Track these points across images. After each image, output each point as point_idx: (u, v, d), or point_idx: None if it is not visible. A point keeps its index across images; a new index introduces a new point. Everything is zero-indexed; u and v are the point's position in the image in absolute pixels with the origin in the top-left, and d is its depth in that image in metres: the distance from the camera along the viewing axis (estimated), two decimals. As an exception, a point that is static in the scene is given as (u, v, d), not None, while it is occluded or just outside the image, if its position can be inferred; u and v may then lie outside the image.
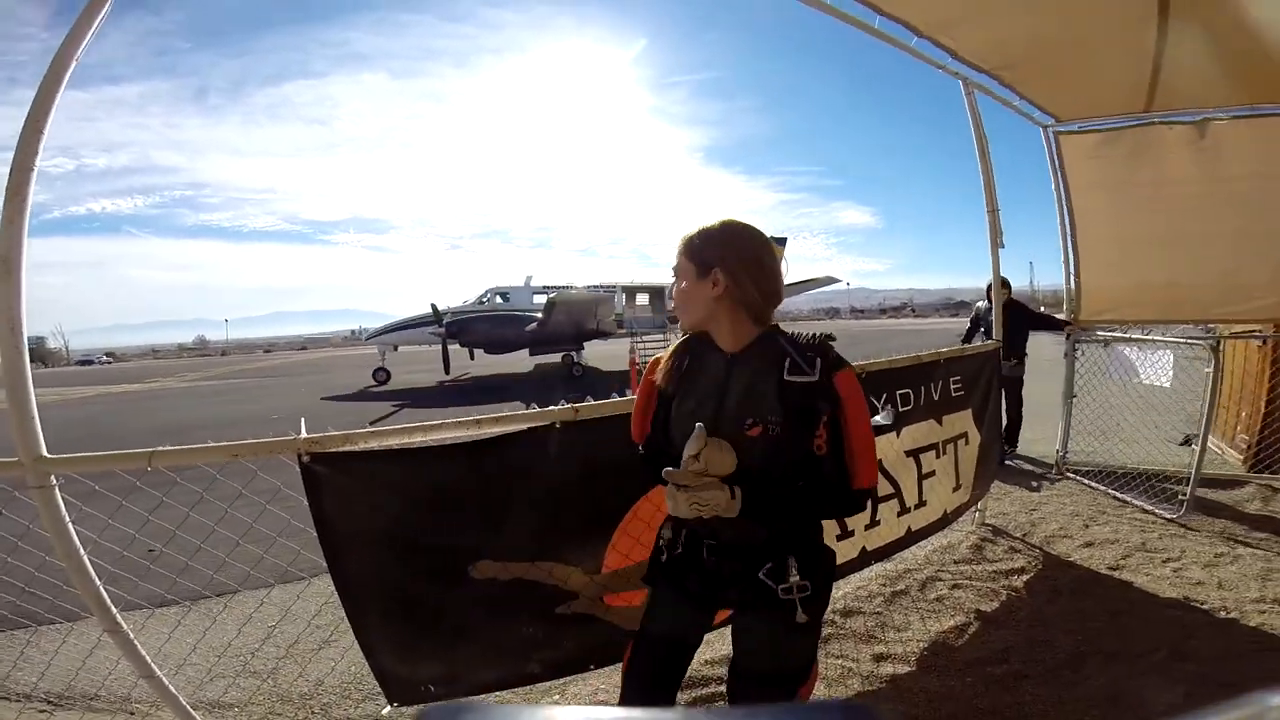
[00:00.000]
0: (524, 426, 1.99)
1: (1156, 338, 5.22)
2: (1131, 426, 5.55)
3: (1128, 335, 4.88)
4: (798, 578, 1.39)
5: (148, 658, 1.85)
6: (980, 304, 6.51)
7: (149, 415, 13.68)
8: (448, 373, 17.74)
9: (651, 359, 1.61)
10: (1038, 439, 5.19)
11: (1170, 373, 4.36)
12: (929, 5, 3.07)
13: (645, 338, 18.41)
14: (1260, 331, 4.85)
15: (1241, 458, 4.91)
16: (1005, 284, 5.83)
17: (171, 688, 1.91)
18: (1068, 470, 5.07)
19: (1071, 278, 5.09)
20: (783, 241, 24.74)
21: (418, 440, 1.89)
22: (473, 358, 19.61)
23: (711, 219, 1.49)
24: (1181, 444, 5.79)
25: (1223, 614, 2.76)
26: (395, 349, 19.58)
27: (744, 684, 1.47)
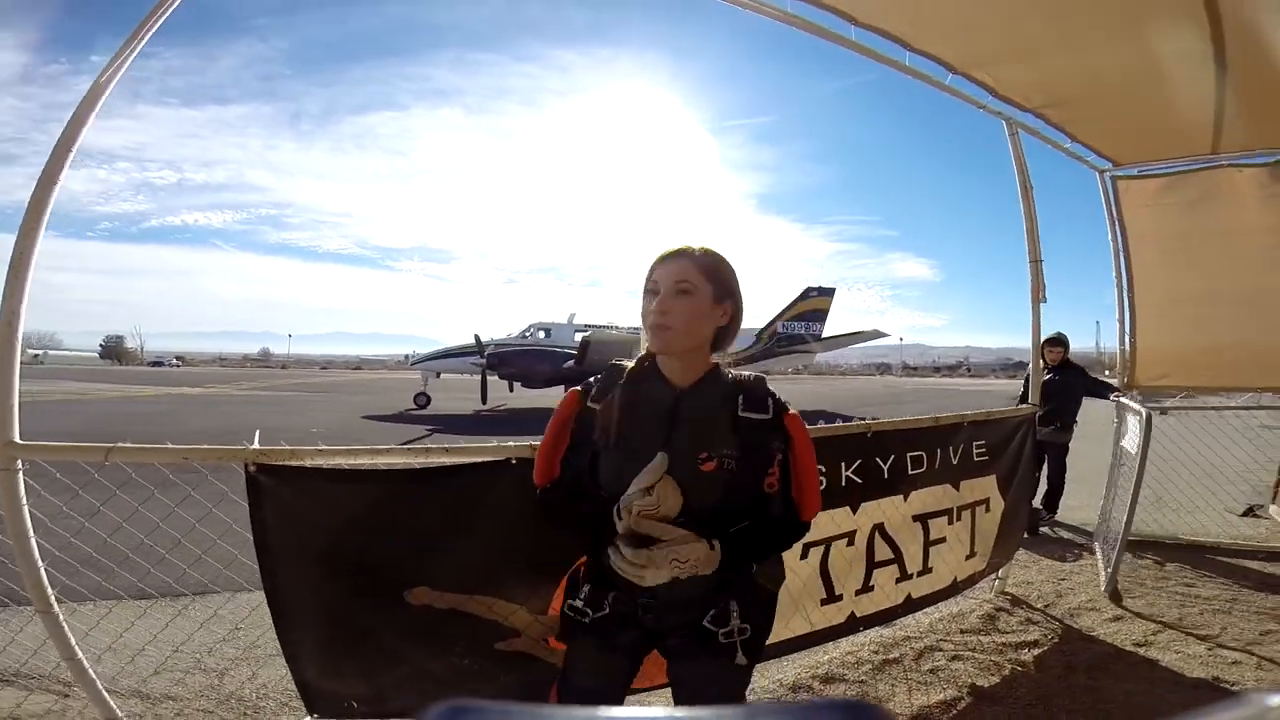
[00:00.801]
0: (478, 460, 1.95)
1: (1227, 403, 4.83)
2: (1186, 496, 5.11)
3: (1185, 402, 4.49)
4: (738, 621, 1.36)
5: (73, 641, 1.89)
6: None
7: (199, 418, 14.41)
8: (484, 402, 18.16)
9: (568, 394, 1.49)
10: (1083, 505, 4.81)
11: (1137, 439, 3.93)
12: (962, 40, 2.94)
13: None
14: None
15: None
16: (1062, 342, 5.91)
17: (91, 672, 1.94)
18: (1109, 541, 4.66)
19: (1126, 336, 4.72)
20: (830, 292, 24.27)
21: (363, 462, 1.89)
22: (511, 390, 20.01)
23: (701, 242, 1.42)
24: (1243, 514, 5.31)
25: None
26: (438, 376, 20.20)
27: None
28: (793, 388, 35.73)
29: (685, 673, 1.44)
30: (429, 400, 18.88)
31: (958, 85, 3.22)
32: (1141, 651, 2.95)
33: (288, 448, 1.80)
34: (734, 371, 1.43)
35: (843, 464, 2.73)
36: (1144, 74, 3.13)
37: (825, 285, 24.20)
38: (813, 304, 23.93)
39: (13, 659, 2.46)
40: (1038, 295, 3.90)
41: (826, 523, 2.68)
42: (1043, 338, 4.07)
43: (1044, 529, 5.16)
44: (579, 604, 1.41)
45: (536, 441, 1.93)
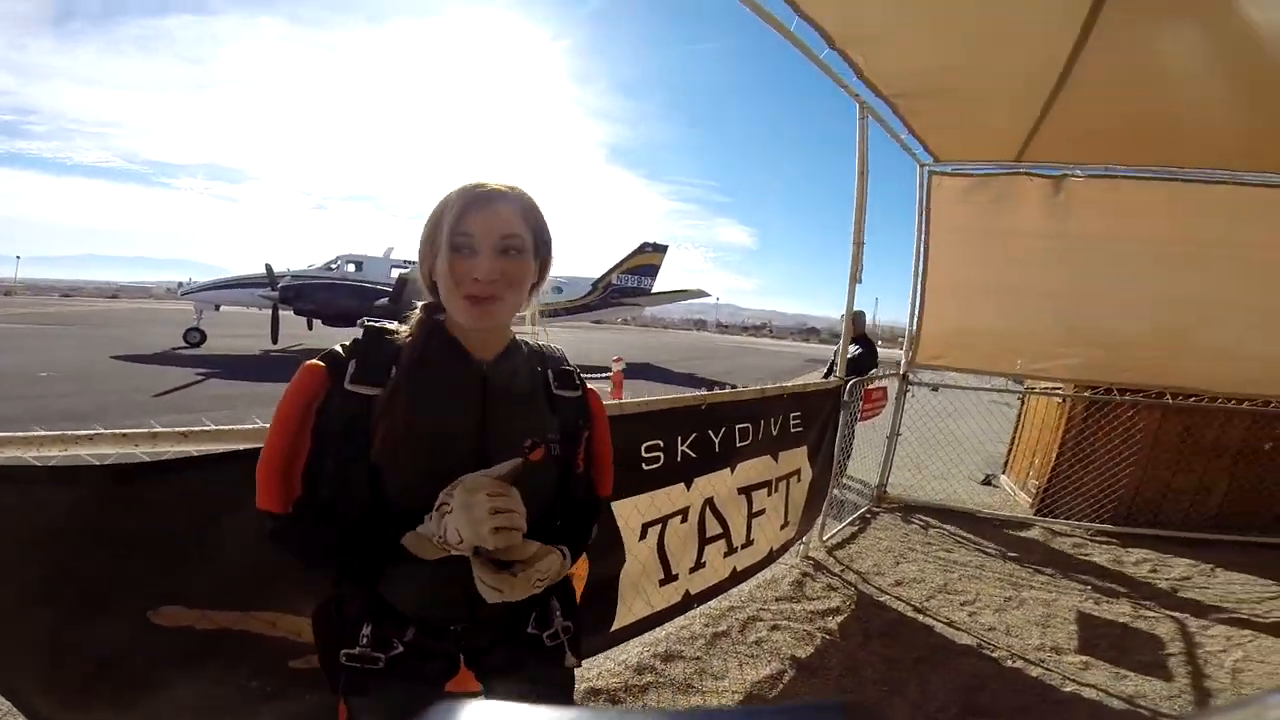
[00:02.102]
0: (234, 446, 1.44)
1: (977, 385, 5.69)
2: (943, 463, 5.99)
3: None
4: (562, 620, 1.22)
5: None
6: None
7: None
8: (275, 341, 16.03)
9: (304, 370, 1.03)
10: (867, 468, 5.40)
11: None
12: (849, 15, 2.82)
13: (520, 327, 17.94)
14: (1061, 390, 5.32)
15: (1031, 501, 5.39)
16: (860, 319, 6.47)
17: None
18: (886, 504, 5.28)
19: (915, 319, 5.26)
20: (664, 249, 24.89)
21: (54, 454, 1.29)
22: (310, 328, 17.85)
23: (513, 180, 1.07)
24: (982, 483, 6.39)
25: (1009, 663, 2.89)
26: (217, 309, 17.41)
27: None
28: (620, 338, 36.66)
29: (508, 687, 1.19)
30: (203, 337, 16.14)
31: (830, 61, 3.12)
32: (920, 619, 3.31)
33: None
34: (523, 338, 1.19)
35: (679, 438, 2.64)
36: (989, 80, 3.31)
37: (660, 242, 24.76)
38: (647, 258, 24.39)
39: None
40: (855, 275, 4.13)
41: (664, 500, 2.59)
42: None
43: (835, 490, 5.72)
44: (361, 650, 1.08)
45: None
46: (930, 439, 5.68)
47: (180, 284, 19.77)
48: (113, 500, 1.34)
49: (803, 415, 3.48)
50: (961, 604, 3.48)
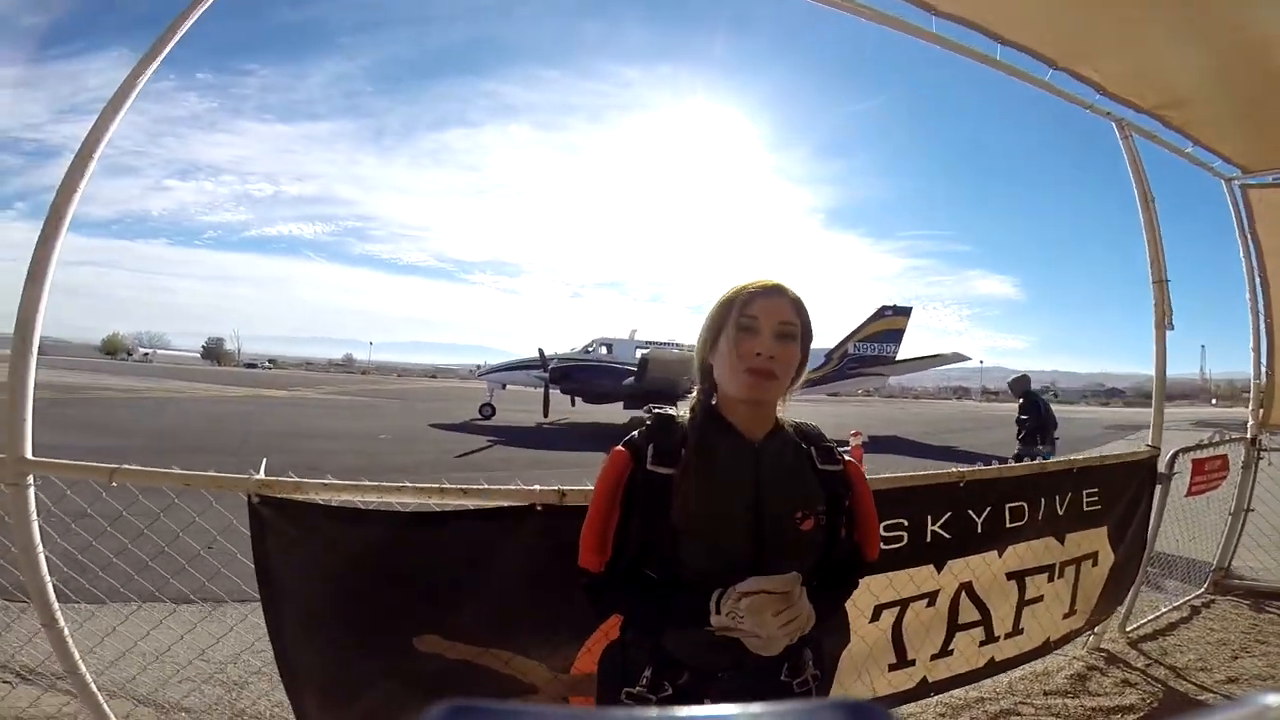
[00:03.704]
0: (498, 503, 1.77)
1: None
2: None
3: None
4: (812, 668, 1.29)
5: (76, 656, 1.87)
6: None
7: (277, 420, 15.81)
8: (546, 415, 18.27)
9: (614, 454, 1.24)
10: (1191, 541, 4.18)
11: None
12: (1062, 33, 2.58)
13: None
14: None
15: None
16: (1023, 380, 7.93)
17: (93, 686, 1.92)
18: (1227, 591, 4.02)
19: (1264, 368, 4.09)
20: (906, 311, 23.28)
21: (372, 500, 1.74)
22: (574, 404, 20.07)
23: (775, 276, 1.26)
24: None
25: None
26: (504, 387, 20.60)
27: None
28: (861, 410, 34.44)
29: None
30: (494, 411, 19.23)
31: (1059, 83, 2.86)
32: None
33: (293, 480, 1.69)
34: (785, 419, 1.30)
35: (929, 517, 2.43)
36: (1270, 64, 2.66)
37: (900, 304, 23.20)
38: (888, 323, 22.88)
39: (31, 657, 2.48)
40: (1162, 320, 3.36)
41: (905, 583, 2.39)
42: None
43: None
44: (639, 690, 1.23)
45: (566, 487, 1.79)
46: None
47: (478, 366, 24.03)
48: (403, 541, 1.73)
49: (1100, 492, 2.97)
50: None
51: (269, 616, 1.70)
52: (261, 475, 1.68)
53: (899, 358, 23.11)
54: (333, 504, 1.74)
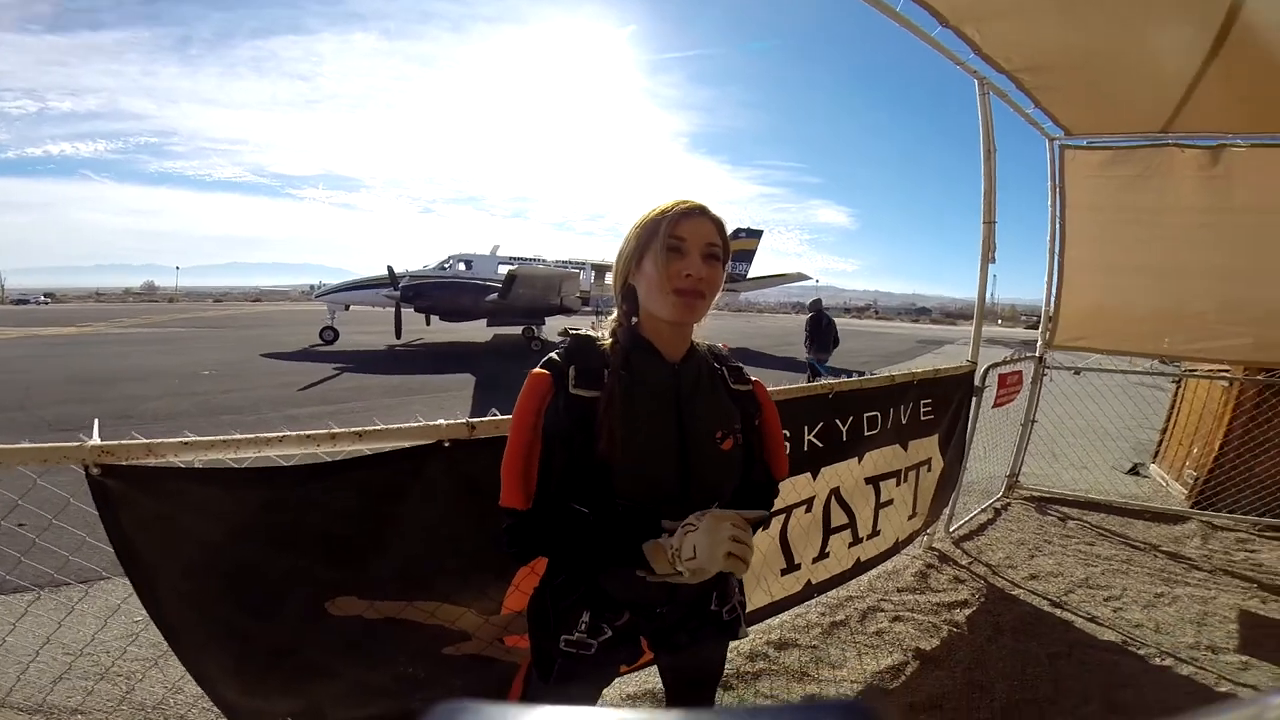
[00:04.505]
0: (399, 444, 1.64)
1: (1124, 369, 5.26)
2: (1082, 451, 5.60)
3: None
4: (739, 594, 1.38)
5: None
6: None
7: (63, 363, 12.33)
8: (398, 337, 17.27)
9: (533, 378, 1.19)
10: (985, 457, 5.17)
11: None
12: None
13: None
14: (1228, 373, 4.81)
15: (1186, 493, 4.93)
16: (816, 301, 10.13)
17: None
18: (1017, 494, 5.03)
19: (1053, 300, 4.94)
20: (758, 234, 24.81)
21: (247, 455, 1.48)
22: (429, 323, 19.12)
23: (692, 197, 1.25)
24: (1128, 472, 5.89)
25: (1157, 660, 2.74)
26: (346, 308, 18.99)
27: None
28: (718, 324, 36.22)
29: (687, 660, 1.38)
30: (337, 335, 17.81)
31: (944, 39, 3.05)
32: (1058, 613, 3.17)
33: (142, 442, 1.39)
34: (698, 340, 1.32)
35: (805, 427, 2.69)
36: (1131, 50, 3.08)
37: (753, 227, 24.61)
38: (741, 244, 24.32)
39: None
40: (987, 255, 4.00)
41: (788, 490, 2.65)
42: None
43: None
44: (579, 636, 1.22)
45: (474, 419, 1.68)
46: (1070, 426, 5.33)
47: (313, 286, 21.59)
48: (294, 499, 1.54)
49: (934, 403, 3.42)
50: (1105, 599, 3.30)
51: (147, 604, 1.46)
52: (97, 440, 1.37)
53: (750, 275, 24.74)
54: (197, 465, 1.46)
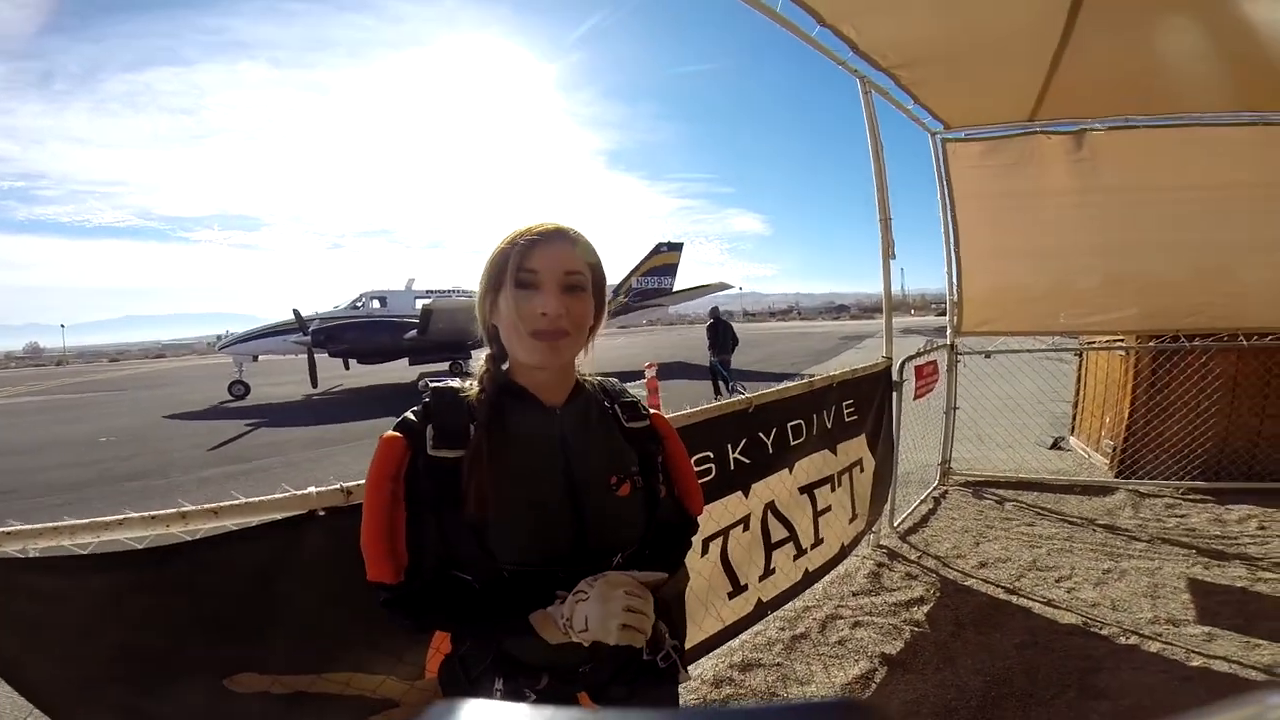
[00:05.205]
0: (266, 518, 1.44)
1: (1031, 347, 5.48)
2: (1005, 430, 5.76)
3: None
4: (670, 640, 1.19)
5: None
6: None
7: None
8: (315, 385, 16.29)
9: (383, 443, 1.03)
10: (916, 448, 5.23)
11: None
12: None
13: None
14: (1123, 342, 5.07)
15: (1108, 462, 5.12)
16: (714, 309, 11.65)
17: None
18: (952, 481, 5.08)
19: (955, 288, 5.08)
20: (679, 247, 25.33)
21: (88, 541, 1.30)
22: (347, 368, 18.26)
23: (558, 218, 1.08)
24: (1050, 447, 6.12)
25: (1123, 639, 2.71)
26: (255, 359, 17.83)
27: None
28: (651, 339, 36.69)
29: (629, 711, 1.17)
30: (247, 389, 16.60)
31: (823, 39, 3.08)
32: (1014, 600, 3.13)
33: None
34: (586, 376, 1.18)
35: (729, 446, 2.59)
36: (990, 39, 3.20)
37: (674, 240, 25.17)
38: (664, 258, 24.85)
39: None
40: (887, 252, 4.02)
41: (721, 512, 2.54)
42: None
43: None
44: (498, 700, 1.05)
45: (349, 484, 1.49)
46: (989, 407, 5.47)
47: (219, 337, 20.35)
48: (161, 582, 1.35)
49: (856, 402, 3.39)
50: (1056, 581, 3.29)
51: (23, 693, 1.24)
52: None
53: (675, 289, 25.18)
54: (32, 555, 1.27)
